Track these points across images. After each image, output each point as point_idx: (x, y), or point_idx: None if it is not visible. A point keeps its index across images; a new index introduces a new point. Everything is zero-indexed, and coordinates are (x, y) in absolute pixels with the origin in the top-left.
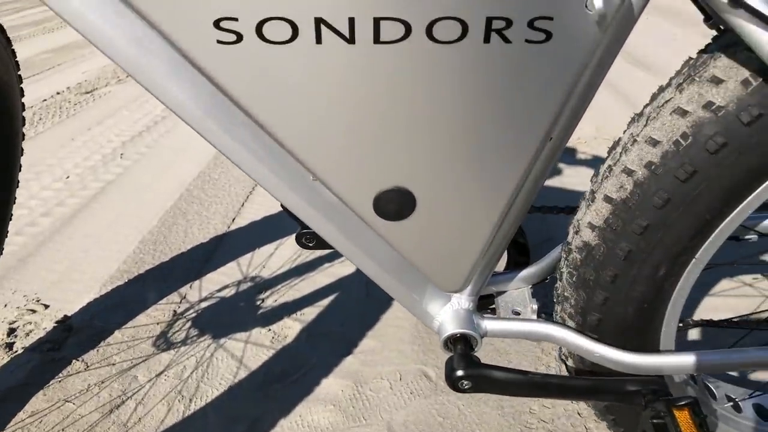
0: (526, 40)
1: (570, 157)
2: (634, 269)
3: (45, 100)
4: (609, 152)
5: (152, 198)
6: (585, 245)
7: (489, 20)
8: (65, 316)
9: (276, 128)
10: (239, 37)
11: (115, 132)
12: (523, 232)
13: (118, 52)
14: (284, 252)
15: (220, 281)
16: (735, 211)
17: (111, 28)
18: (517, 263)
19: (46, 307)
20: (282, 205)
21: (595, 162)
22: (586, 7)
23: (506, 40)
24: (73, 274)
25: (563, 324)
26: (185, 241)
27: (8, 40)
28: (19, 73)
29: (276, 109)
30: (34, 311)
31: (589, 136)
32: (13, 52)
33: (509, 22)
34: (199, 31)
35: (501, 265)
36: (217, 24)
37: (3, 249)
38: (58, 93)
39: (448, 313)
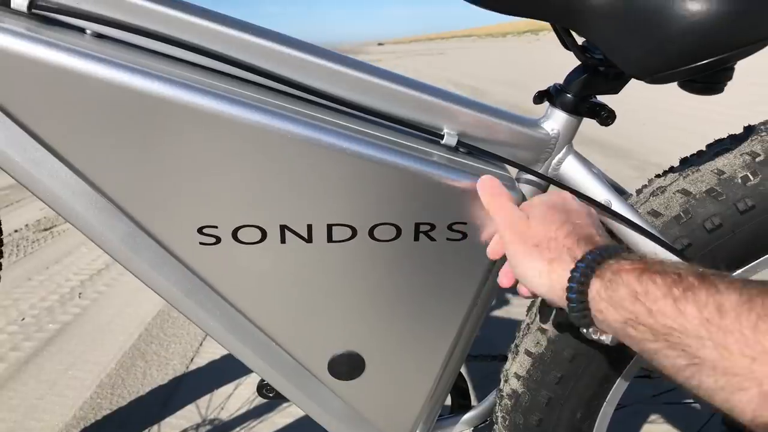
0: (447, 239)
1: None
2: (555, 414)
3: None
4: (527, 311)
5: (111, 339)
6: (513, 392)
7: (417, 224)
8: None
9: (251, 312)
10: (218, 240)
11: (73, 270)
12: (464, 378)
13: (113, 248)
14: (243, 392)
15: (178, 425)
16: (632, 360)
17: (107, 229)
18: (460, 406)
19: None
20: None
21: None
22: None
23: (432, 239)
24: (28, 422)
25: None
26: (144, 384)
27: None
28: None
29: (251, 296)
30: None
31: None
32: None
33: (433, 226)
34: (185, 235)
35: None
36: (200, 230)
37: None
38: (15, 231)
39: None
